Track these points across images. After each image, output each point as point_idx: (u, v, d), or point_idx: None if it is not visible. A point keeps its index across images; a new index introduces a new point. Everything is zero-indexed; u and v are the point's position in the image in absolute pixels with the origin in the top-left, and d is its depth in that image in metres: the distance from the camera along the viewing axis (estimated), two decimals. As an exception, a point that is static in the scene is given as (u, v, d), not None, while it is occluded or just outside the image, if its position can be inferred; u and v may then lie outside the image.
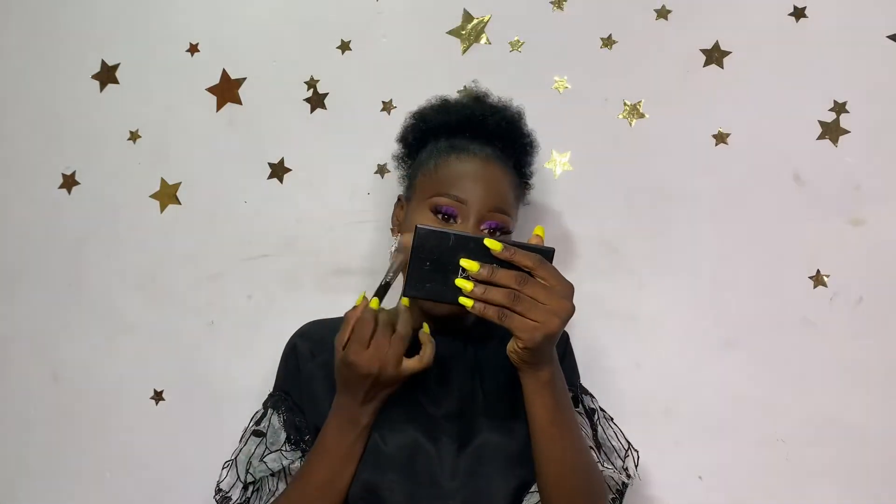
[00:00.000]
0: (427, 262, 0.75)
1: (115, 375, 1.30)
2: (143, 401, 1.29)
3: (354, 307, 0.85)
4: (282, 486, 0.92)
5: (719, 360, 1.19)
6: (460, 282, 0.74)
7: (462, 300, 0.74)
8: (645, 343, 1.21)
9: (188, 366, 1.28)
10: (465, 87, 1.08)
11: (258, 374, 1.19)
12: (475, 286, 0.74)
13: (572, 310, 0.75)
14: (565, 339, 1.05)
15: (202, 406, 1.28)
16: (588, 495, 0.86)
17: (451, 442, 0.90)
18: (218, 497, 0.93)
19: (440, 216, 0.91)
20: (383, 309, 0.85)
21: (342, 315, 1.04)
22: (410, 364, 0.83)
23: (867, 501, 1.16)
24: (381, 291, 0.86)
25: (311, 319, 1.05)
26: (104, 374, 1.31)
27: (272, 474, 0.92)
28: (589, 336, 1.18)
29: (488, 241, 0.74)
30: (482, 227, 0.91)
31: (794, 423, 1.17)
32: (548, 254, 0.76)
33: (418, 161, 1.01)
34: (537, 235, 0.78)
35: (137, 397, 1.29)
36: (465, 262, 0.74)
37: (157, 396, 1.29)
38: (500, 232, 0.92)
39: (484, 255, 0.74)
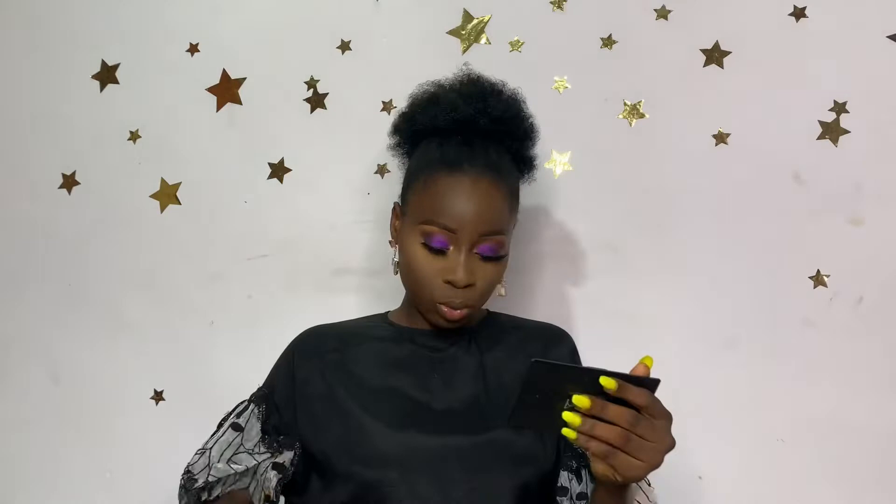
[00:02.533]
0: (537, 394, 0.72)
1: (115, 375, 1.30)
2: (143, 401, 1.29)
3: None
4: (245, 481, 0.94)
5: (719, 360, 1.19)
6: (569, 416, 0.70)
7: (566, 431, 0.71)
8: (645, 343, 1.20)
9: (188, 366, 1.28)
10: (460, 70, 1.03)
11: (258, 374, 1.18)
12: (583, 421, 0.70)
13: (674, 443, 0.73)
14: (572, 347, 1.03)
15: (202, 406, 1.27)
16: None
17: (455, 439, 0.89)
18: (185, 477, 0.93)
19: (432, 251, 0.90)
20: None
21: (340, 317, 1.05)
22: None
23: (867, 501, 1.16)
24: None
25: (312, 319, 1.04)
26: (104, 374, 1.31)
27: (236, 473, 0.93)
28: (589, 336, 1.17)
29: (604, 380, 0.70)
30: (475, 252, 0.89)
31: (794, 423, 1.17)
32: (654, 386, 0.73)
33: (411, 168, 0.98)
34: (644, 365, 0.74)
35: (137, 397, 1.29)
36: (577, 399, 0.70)
37: (157, 396, 1.29)
38: (494, 255, 0.90)
39: (592, 386, 0.70)
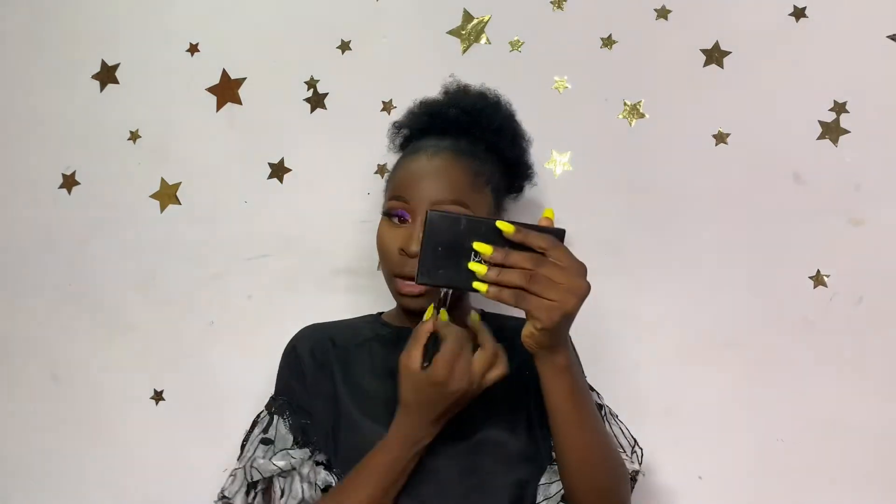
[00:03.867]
0: (439, 247, 0.74)
1: (115, 375, 1.30)
2: (143, 401, 1.29)
3: (423, 322, 0.83)
4: (296, 489, 0.89)
5: (719, 360, 1.19)
6: (474, 265, 0.73)
7: (476, 285, 0.73)
8: (645, 343, 1.21)
9: (188, 366, 1.28)
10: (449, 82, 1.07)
11: (258, 374, 1.18)
12: (489, 269, 0.72)
13: (588, 288, 0.74)
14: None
15: (202, 406, 1.28)
16: (610, 477, 0.85)
17: (450, 437, 0.89)
18: (220, 502, 0.92)
19: (396, 220, 0.93)
20: (450, 323, 0.83)
21: (340, 318, 1.05)
22: (493, 375, 0.82)
23: (867, 501, 1.16)
24: (444, 301, 0.83)
25: (311, 319, 1.04)
26: (104, 374, 1.31)
27: (280, 474, 0.90)
28: (589, 336, 1.17)
29: (500, 224, 0.73)
30: None
31: (794, 423, 1.17)
32: (559, 234, 0.75)
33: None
34: (547, 218, 0.77)
35: (137, 397, 1.29)
36: (478, 246, 0.73)
37: (157, 396, 1.29)
38: None
39: (496, 239, 0.73)
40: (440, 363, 0.80)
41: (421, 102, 1.05)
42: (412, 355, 0.82)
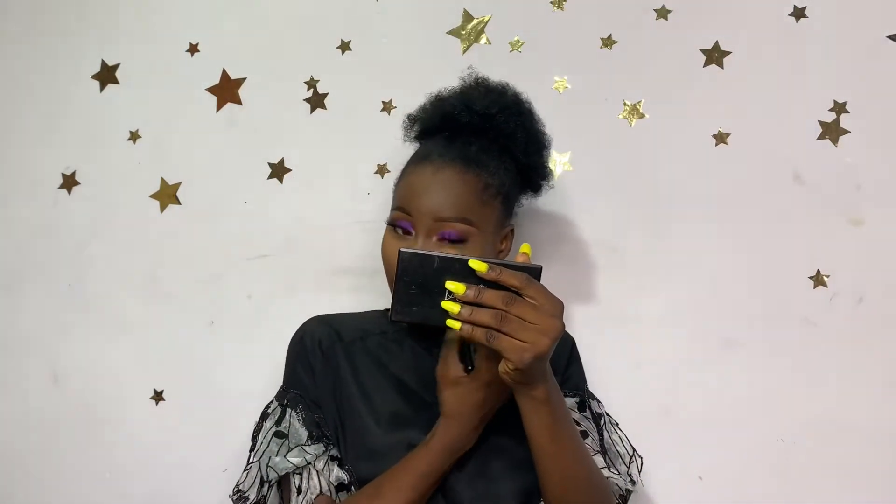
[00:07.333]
0: (413, 285, 0.74)
1: (115, 375, 1.30)
2: (143, 401, 1.29)
3: (451, 328, 0.81)
4: (314, 483, 0.88)
5: (719, 360, 1.19)
6: (447, 304, 0.73)
7: (450, 323, 0.73)
8: (645, 343, 1.21)
9: (188, 366, 1.28)
10: (468, 73, 1.03)
11: (258, 374, 1.19)
12: (462, 308, 0.72)
13: (562, 328, 0.73)
14: (571, 343, 1.04)
15: (202, 406, 1.28)
16: (589, 502, 0.85)
17: None
18: (235, 497, 0.91)
19: (399, 231, 0.91)
20: None
21: (343, 311, 1.05)
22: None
23: (867, 501, 1.16)
24: None
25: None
26: (104, 374, 1.31)
27: (296, 471, 0.89)
28: (589, 336, 1.17)
29: (473, 263, 0.73)
30: (434, 239, 0.89)
31: (794, 423, 1.17)
32: (535, 272, 0.74)
33: None
34: (524, 253, 0.77)
35: (137, 397, 1.29)
36: (450, 285, 0.73)
37: (157, 396, 1.29)
38: (458, 239, 0.89)
39: (470, 276, 0.73)
40: (485, 364, 0.80)
41: (436, 98, 1.01)
42: (450, 365, 0.82)
